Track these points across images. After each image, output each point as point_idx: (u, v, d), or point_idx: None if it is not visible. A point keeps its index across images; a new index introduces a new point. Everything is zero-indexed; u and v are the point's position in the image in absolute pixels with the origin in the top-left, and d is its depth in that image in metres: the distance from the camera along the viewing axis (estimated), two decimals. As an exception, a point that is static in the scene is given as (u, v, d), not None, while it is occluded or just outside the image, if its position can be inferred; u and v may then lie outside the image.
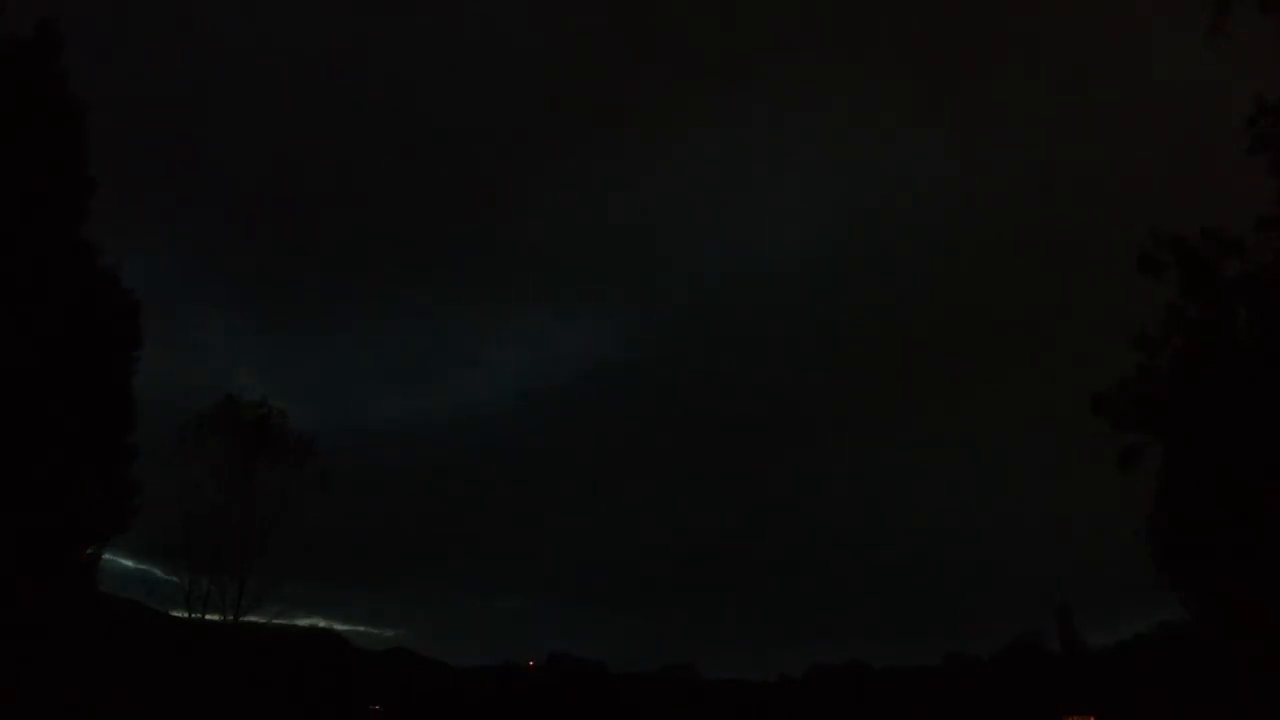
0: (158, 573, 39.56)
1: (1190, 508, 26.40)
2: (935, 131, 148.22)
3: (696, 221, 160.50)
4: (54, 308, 21.69)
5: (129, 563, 39.20)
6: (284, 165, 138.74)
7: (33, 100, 22.15)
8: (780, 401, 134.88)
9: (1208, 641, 29.94)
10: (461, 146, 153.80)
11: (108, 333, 23.49)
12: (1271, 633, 24.41)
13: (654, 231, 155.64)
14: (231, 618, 38.40)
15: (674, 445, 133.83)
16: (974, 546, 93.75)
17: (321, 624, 63.31)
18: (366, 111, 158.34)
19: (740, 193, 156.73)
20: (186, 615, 38.25)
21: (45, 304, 21.52)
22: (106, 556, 27.11)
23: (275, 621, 40.50)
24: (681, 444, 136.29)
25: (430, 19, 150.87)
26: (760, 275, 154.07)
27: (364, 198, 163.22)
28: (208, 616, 38.14)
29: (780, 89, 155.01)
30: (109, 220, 24.14)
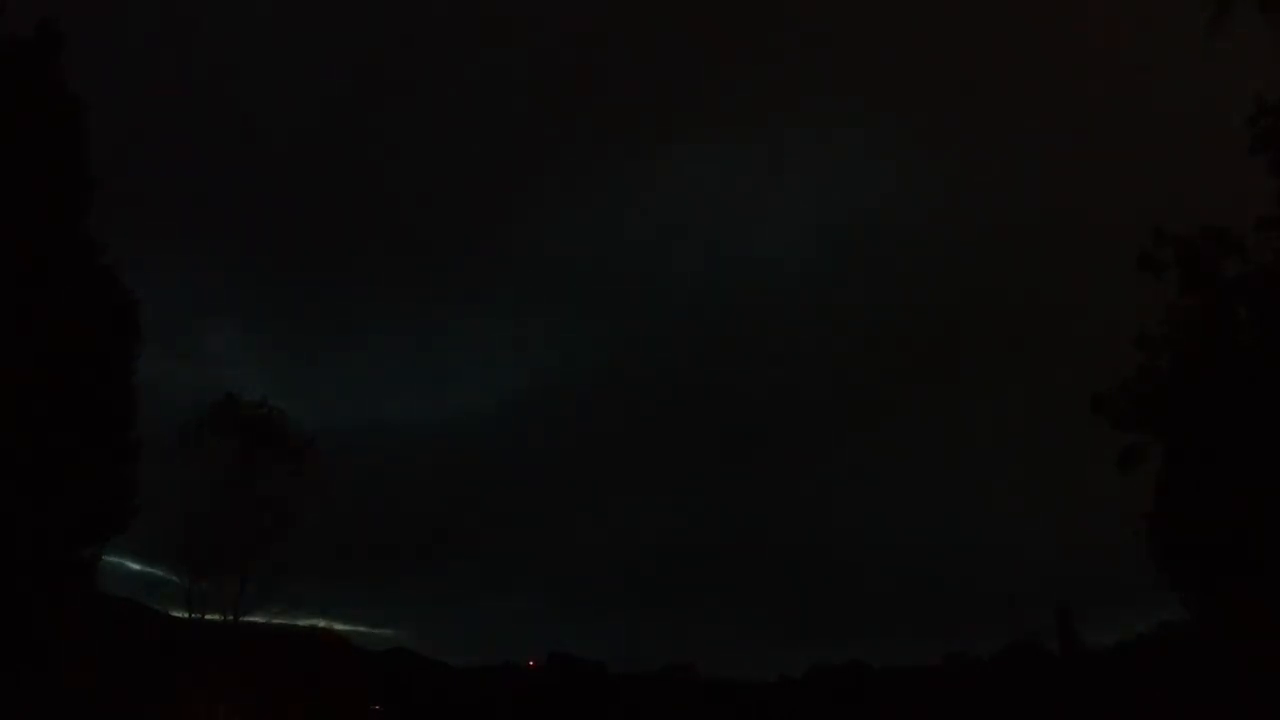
0: (158, 573, 39.63)
1: (1190, 508, 26.38)
2: (935, 132, 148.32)
3: (697, 223, 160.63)
4: (54, 307, 21.68)
5: (137, 566, 39.32)
6: (284, 166, 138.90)
7: (32, 100, 22.16)
8: (781, 402, 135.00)
9: (1208, 641, 29.90)
10: (462, 148, 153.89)
11: (107, 332, 23.49)
12: (1271, 633, 24.39)
13: (654, 234, 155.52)
14: (231, 618, 38.41)
15: (674, 445, 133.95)
16: (974, 547, 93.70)
17: (321, 624, 63.19)
18: (368, 113, 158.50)
19: (740, 194, 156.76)
20: (186, 615, 38.26)
21: (45, 303, 21.52)
22: (110, 558, 27.17)
23: (275, 621, 40.54)
24: (681, 444, 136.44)
25: (433, 23, 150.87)
26: (760, 277, 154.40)
27: (364, 198, 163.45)
28: (208, 616, 38.17)
29: (780, 90, 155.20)
30: (109, 220, 24.18)
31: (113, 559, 33.05)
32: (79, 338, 22.21)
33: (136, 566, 39.66)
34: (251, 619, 39.20)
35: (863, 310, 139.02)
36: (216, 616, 38.20)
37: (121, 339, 23.87)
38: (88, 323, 22.51)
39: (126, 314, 24.01)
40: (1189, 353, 26.23)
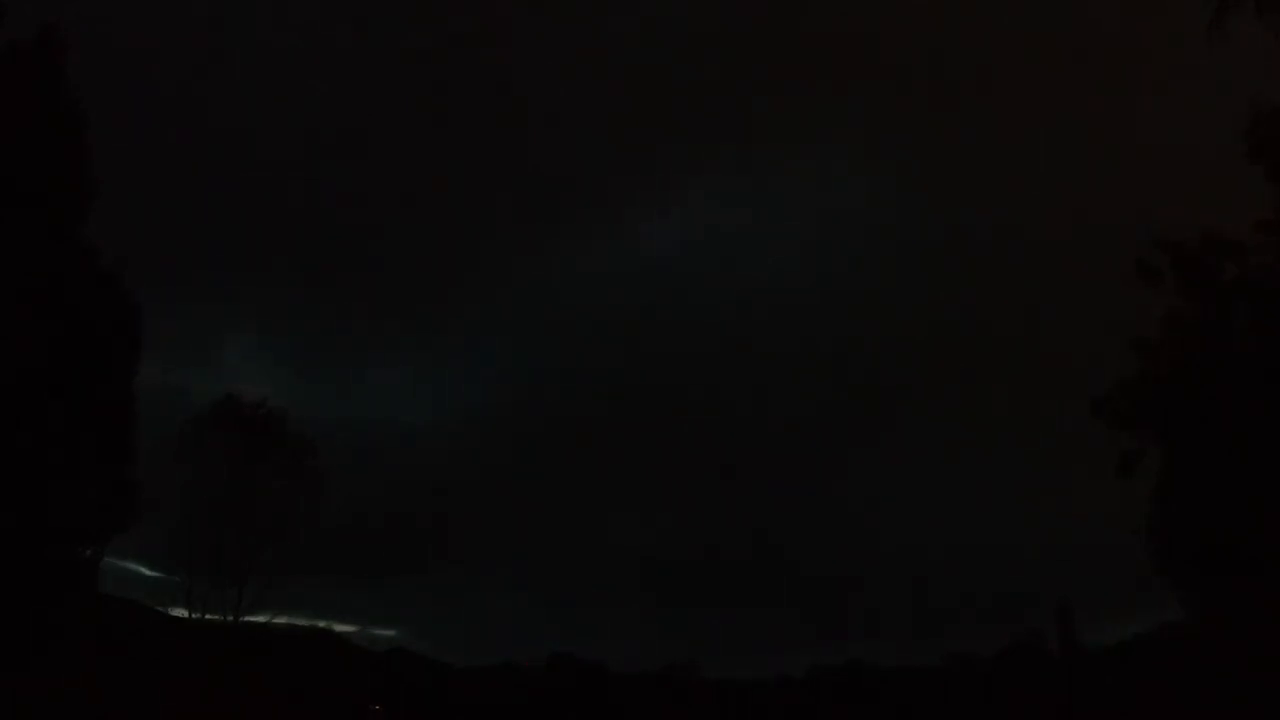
0: (158, 573, 39.77)
1: (1190, 509, 26.42)
2: (935, 135, 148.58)
3: (698, 230, 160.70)
4: (55, 308, 21.73)
5: (150, 573, 39.50)
6: (284, 167, 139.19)
7: (34, 102, 22.20)
8: (781, 404, 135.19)
9: (1207, 641, 29.94)
10: (466, 152, 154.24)
11: (108, 333, 23.53)
12: (1271, 633, 24.43)
13: (655, 241, 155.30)
14: (231, 618, 38.52)
15: (675, 448, 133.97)
16: (974, 547, 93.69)
17: (321, 624, 63.42)
18: (374, 116, 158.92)
19: (743, 205, 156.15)
20: (186, 615, 38.38)
21: (46, 304, 21.57)
22: (120, 563, 27.25)
23: (275, 621, 40.68)
24: (682, 445, 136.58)
25: (438, 29, 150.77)
26: (762, 280, 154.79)
27: (367, 198, 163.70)
28: (208, 616, 38.27)
29: (781, 97, 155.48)
30: (112, 221, 24.23)
31: (127, 564, 33.27)
32: (80, 340, 22.26)
33: (149, 573, 39.92)
34: (251, 619, 39.34)
35: (862, 312, 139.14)
36: (216, 616, 38.31)
37: (122, 341, 23.91)
38: (89, 325, 22.55)
39: (127, 317, 24.05)
40: (1188, 356, 26.27)
